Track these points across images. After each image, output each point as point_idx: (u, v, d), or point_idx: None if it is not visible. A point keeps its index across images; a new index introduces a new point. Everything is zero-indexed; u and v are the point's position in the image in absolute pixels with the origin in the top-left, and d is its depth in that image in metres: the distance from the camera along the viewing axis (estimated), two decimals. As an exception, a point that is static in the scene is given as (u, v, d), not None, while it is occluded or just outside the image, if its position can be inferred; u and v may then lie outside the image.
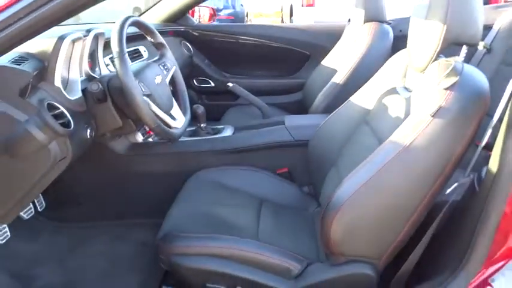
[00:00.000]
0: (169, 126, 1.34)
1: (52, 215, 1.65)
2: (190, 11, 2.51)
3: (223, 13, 7.44)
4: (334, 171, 1.40)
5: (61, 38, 1.11)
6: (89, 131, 1.19)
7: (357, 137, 1.36)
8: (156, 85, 1.31)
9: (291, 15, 7.06)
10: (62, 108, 1.07)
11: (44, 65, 1.08)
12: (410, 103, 1.11)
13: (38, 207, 1.59)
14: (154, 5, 2.35)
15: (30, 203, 1.50)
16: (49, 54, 1.09)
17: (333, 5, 5.92)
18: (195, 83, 2.59)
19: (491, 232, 0.93)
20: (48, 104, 1.03)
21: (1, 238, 1.32)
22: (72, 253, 1.52)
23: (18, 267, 1.34)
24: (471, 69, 0.98)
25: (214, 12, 2.85)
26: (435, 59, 1.02)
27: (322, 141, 1.50)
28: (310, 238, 1.34)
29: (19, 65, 1.01)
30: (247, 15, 7.84)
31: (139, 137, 1.67)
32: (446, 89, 0.94)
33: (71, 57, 1.18)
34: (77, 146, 1.11)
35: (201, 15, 2.85)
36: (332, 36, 2.33)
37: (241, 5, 7.93)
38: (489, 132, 0.99)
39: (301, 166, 1.63)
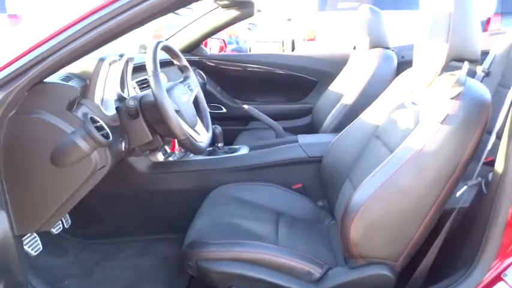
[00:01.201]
0: (195, 140, 1.44)
1: (77, 231, 1.71)
2: (203, 42, 2.68)
3: (227, 48, 7.73)
4: (348, 184, 1.49)
5: (101, 60, 1.23)
6: (123, 143, 1.28)
7: (369, 150, 1.45)
8: (183, 103, 1.43)
9: (293, 49, 7.33)
10: (102, 122, 1.17)
11: (86, 83, 1.20)
12: (419, 114, 1.21)
13: (65, 224, 1.66)
14: (171, 36, 2.52)
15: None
16: (90, 74, 1.20)
17: (333, 40, 6.17)
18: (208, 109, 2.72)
19: (501, 228, 1.00)
20: (91, 117, 1.13)
21: (35, 250, 1.38)
22: (98, 267, 1.57)
23: (50, 279, 1.39)
24: (473, 81, 1.09)
25: (225, 44, 3.03)
26: (440, 74, 1.14)
27: (335, 157, 1.59)
28: (327, 247, 1.40)
29: (67, 82, 1.12)
30: (249, 50, 8.14)
31: (160, 157, 1.77)
32: (452, 98, 1.05)
33: (107, 77, 1.29)
34: (113, 156, 1.20)
35: (212, 47, 3.02)
36: (337, 63, 2.48)
37: (245, 41, 8.25)
38: (489, 146, 1.09)
39: (315, 181, 1.71)
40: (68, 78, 1.15)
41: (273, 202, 1.63)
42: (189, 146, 1.37)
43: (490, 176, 1.12)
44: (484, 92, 1.06)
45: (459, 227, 1.15)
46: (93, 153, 1.12)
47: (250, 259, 1.21)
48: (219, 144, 1.86)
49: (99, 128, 1.15)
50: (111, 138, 1.16)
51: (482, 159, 1.11)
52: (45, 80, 1.09)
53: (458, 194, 1.13)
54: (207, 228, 1.35)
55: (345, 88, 2.20)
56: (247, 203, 1.59)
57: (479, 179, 1.12)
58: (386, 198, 1.09)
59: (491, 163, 1.11)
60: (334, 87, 2.36)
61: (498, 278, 1.02)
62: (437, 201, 1.08)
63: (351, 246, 1.15)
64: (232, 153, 1.86)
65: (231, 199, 1.60)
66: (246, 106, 2.21)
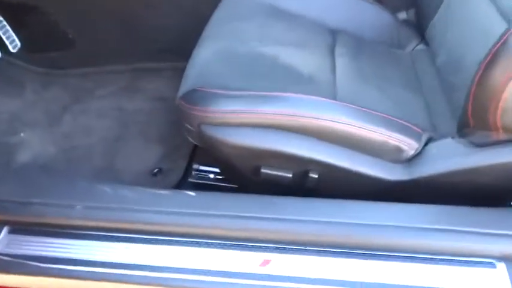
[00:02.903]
0: None
1: (36, 58, 1.18)
2: None
3: None
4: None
5: None
6: None
7: None
8: None
9: None
10: None
11: None
12: None
13: (10, 46, 1.12)
14: None
15: None
16: None
17: None
18: None
19: None
20: None
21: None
22: (67, 112, 1.10)
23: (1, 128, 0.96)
24: None
25: None
26: None
27: None
28: (417, 98, 0.83)
29: None
30: None
31: None
32: None
33: None
34: None
35: None
36: None
37: None
38: None
39: None
40: None
41: (327, 12, 0.99)
42: None
43: None
44: None
45: None
46: None
47: (289, 126, 0.67)
48: None
49: None
50: None
51: None
52: None
53: None
54: (214, 65, 0.78)
55: None
56: (283, 16, 0.95)
57: None
58: None
59: None
60: None
61: None
62: None
63: (495, 111, 0.58)
64: None
65: (257, 8, 0.96)
66: None
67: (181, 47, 0.91)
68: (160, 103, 1.10)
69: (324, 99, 0.70)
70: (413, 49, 0.99)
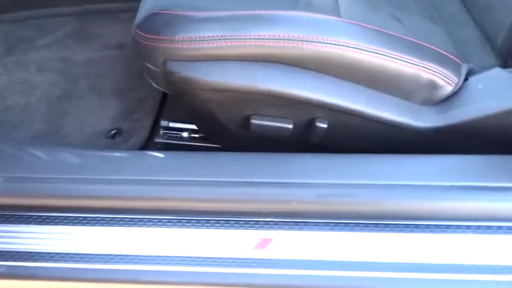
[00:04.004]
0: None
1: None
2: None
3: None
4: None
5: None
6: None
7: None
8: None
9: None
10: None
11: None
12: None
13: None
14: None
15: None
16: None
17: None
18: None
19: None
20: None
21: None
22: (10, 54, 0.87)
23: None
24: None
25: None
26: None
27: None
28: (437, 26, 0.66)
29: None
30: None
31: None
32: None
33: None
34: None
35: None
36: None
37: None
38: None
39: None
40: None
41: None
42: None
43: None
44: None
45: None
46: None
47: (287, 55, 0.49)
48: None
49: None
50: None
51: None
52: None
53: None
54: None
55: None
56: None
57: None
58: None
59: None
60: None
61: None
62: None
63: None
64: None
65: None
66: None
67: None
68: (116, 51, 0.88)
69: (333, 18, 0.52)
70: None
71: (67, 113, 0.78)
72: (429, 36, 0.62)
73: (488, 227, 0.44)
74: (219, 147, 0.63)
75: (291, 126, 0.52)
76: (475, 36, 0.64)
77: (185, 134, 0.65)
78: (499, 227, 0.44)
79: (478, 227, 0.44)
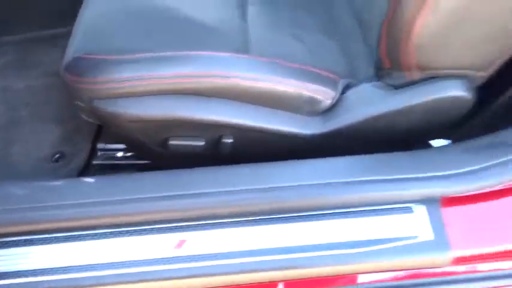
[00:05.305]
0: None
1: None
2: None
3: None
4: None
5: None
6: None
7: None
8: None
9: None
10: None
11: None
12: None
13: None
14: None
15: None
16: None
17: None
18: None
19: None
20: None
21: None
22: None
23: None
24: None
25: None
26: None
27: None
28: (334, 42, 0.78)
29: None
30: None
31: None
32: None
33: None
34: None
35: None
36: None
37: None
38: None
39: None
40: None
41: None
42: None
43: None
44: None
45: None
46: None
47: (194, 88, 0.59)
48: None
49: None
50: None
51: None
52: None
53: None
54: (105, 25, 0.67)
55: None
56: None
57: None
58: None
59: None
60: None
61: None
62: None
63: (410, 53, 0.55)
64: None
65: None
66: None
67: (67, 11, 0.78)
68: (56, 78, 0.94)
69: (228, 54, 0.63)
70: None
71: (12, 141, 0.85)
72: (325, 54, 0.74)
73: (373, 210, 0.56)
74: (149, 163, 0.73)
75: (203, 143, 0.63)
76: (364, 51, 0.74)
77: (120, 154, 0.75)
78: (381, 210, 0.56)
79: (363, 211, 0.56)
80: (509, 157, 0.55)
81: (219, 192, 0.53)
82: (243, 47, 0.67)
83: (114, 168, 0.75)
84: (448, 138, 0.76)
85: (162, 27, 0.68)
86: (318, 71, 0.65)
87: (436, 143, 0.75)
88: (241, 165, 0.57)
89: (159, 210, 0.53)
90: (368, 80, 0.66)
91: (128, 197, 0.55)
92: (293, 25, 0.79)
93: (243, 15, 0.75)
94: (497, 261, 0.57)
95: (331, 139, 0.65)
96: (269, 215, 0.55)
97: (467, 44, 0.55)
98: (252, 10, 0.78)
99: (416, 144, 0.71)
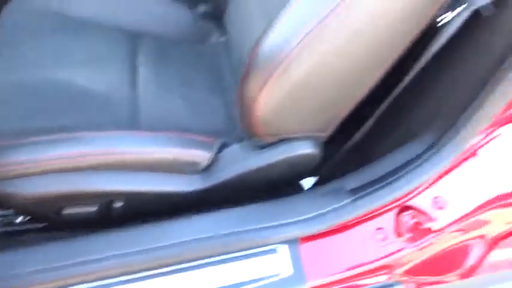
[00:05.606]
0: None
1: None
2: None
3: None
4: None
5: None
6: None
7: None
8: None
9: None
10: None
11: None
12: None
13: None
14: None
15: None
16: None
17: None
18: None
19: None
20: None
21: None
22: None
23: None
24: None
25: None
26: None
27: None
28: (218, 99, 0.88)
29: None
30: None
31: None
32: None
33: None
34: None
35: None
36: None
37: None
38: None
39: None
40: None
41: (124, 14, 0.97)
42: None
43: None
44: None
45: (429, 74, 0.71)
46: None
47: (79, 166, 0.67)
48: None
49: None
50: None
51: None
52: None
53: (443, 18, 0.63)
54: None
55: None
56: (75, 25, 0.90)
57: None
58: (320, 51, 0.56)
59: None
60: None
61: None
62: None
63: (257, 124, 0.67)
64: None
65: (42, 22, 0.88)
66: None
67: None
68: None
69: (115, 132, 0.71)
70: (216, 41, 1.03)
71: None
72: (208, 113, 0.84)
73: (247, 255, 0.66)
74: (46, 226, 0.78)
75: (95, 208, 0.71)
76: None
77: (19, 219, 0.79)
78: (252, 254, 0.67)
79: (239, 256, 0.66)
80: (344, 202, 0.70)
81: (110, 256, 0.60)
82: (131, 120, 0.75)
83: (15, 234, 0.80)
84: (315, 176, 0.91)
85: (54, 104, 0.74)
86: (194, 137, 0.75)
87: (307, 181, 0.90)
88: (131, 227, 0.65)
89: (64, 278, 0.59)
90: (240, 139, 0.77)
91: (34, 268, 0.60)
92: (182, 84, 0.88)
93: (133, 82, 0.82)
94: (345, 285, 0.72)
95: (214, 193, 0.76)
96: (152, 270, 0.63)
97: (306, 115, 0.69)
98: (142, 72, 0.85)
99: (288, 186, 0.84)
